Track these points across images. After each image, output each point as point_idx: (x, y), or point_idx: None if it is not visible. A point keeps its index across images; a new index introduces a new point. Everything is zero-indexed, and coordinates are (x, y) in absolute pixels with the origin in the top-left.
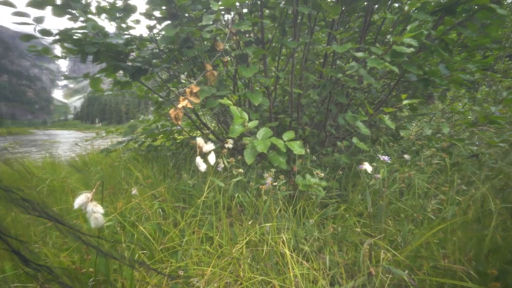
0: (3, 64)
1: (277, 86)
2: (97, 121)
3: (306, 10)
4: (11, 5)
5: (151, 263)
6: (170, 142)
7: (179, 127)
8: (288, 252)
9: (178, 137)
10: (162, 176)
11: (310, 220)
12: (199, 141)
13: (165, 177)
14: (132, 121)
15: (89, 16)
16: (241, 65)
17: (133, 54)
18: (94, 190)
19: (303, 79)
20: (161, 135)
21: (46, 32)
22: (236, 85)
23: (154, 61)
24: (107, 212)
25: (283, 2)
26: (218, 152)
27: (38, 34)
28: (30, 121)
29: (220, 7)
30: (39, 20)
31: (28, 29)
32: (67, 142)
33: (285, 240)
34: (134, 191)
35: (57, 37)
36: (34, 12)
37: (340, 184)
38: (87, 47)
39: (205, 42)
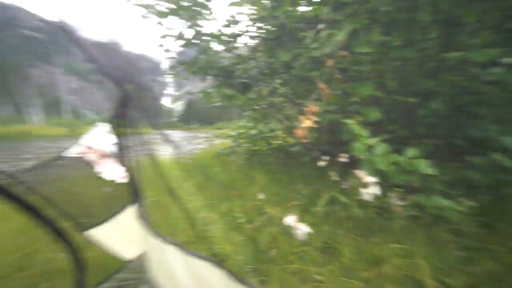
0: (131, 79)
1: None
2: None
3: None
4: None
5: None
6: (267, 147)
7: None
8: (429, 281)
9: (274, 142)
10: (274, 182)
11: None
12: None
13: (274, 182)
14: (238, 124)
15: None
16: (355, 83)
17: (237, 71)
18: (296, 217)
19: (419, 86)
20: (259, 140)
21: (183, 62)
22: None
23: (258, 77)
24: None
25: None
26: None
27: (175, 63)
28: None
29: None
30: (181, 54)
31: (144, 52)
32: (176, 141)
33: (423, 267)
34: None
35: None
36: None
37: (481, 207)
38: (210, 70)
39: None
